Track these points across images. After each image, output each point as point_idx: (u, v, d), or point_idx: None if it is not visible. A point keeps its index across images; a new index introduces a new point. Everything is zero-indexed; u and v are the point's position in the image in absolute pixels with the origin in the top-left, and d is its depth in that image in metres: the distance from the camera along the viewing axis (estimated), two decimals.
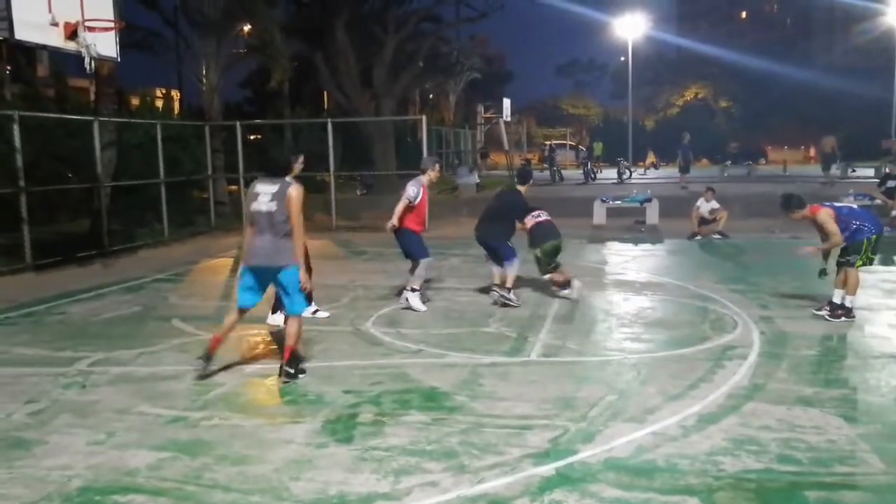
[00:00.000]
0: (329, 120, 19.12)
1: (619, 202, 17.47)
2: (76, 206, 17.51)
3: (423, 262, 8.62)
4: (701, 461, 4.41)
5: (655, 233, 15.71)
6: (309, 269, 6.71)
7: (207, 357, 6.11)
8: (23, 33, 8.25)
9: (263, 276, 6.11)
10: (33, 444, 4.80)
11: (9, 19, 8.09)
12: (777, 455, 4.49)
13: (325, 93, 34.11)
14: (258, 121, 27.32)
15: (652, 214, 16.86)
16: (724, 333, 7.41)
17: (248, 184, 19.21)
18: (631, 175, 31.98)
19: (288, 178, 6.17)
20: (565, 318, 8.18)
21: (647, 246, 14.08)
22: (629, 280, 10.59)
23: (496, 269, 9.07)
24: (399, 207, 8.51)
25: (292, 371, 6.04)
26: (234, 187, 20.18)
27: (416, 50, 29.97)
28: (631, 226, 16.69)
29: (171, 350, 7.12)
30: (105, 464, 4.48)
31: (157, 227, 15.96)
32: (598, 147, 39.51)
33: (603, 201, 17.44)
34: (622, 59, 52.66)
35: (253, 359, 6.83)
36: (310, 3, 26.54)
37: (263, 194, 5.95)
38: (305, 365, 6.30)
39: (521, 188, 9.38)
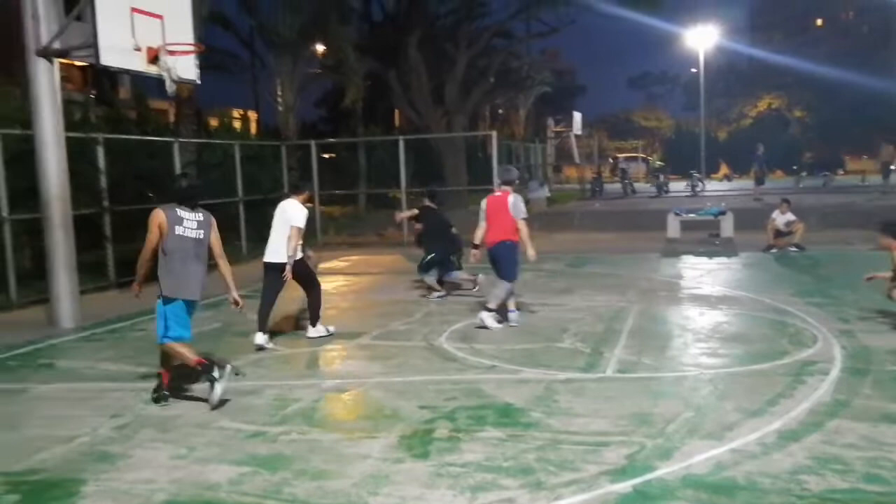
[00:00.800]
0: (401, 137, 19.32)
1: (692, 215, 17.11)
2: None
3: (510, 285, 8.50)
4: (783, 480, 4.25)
5: (730, 246, 15.32)
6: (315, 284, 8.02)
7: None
8: (108, 58, 8.60)
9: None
10: (118, 458, 4.94)
11: (95, 46, 8.45)
12: (863, 474, 4.30)
13: (397, 110, 34.50)
14: (332, 139, 27.78)
15: (726, 227, 16.47)
16: (803, 348, 7.15)
17: (323, 201, 19.70)
18: (704, 187, 31.30)
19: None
20: (640, 333, 8.02)
21: (722, 259, 13.72)
22: (704, 294, 10.34)
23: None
24: (525, 231, 8.42)
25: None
26: (309, 205, 20.54)
27: (488, 66, 30.06)
28: (705, 239, 16.32)
29: (250, 365, 7.26)
30: (187, 478, 4.57)
31: (235, 244, 16.35)
32: (657, 160, 38.72)
33: (676, 214, 17.09)
34: (693, 70, 51.75)
35: (329, 374, 6.90)
36: (383, 23, 26.92)
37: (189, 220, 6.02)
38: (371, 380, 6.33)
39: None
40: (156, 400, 6.11)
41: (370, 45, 25.98)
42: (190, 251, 6.03)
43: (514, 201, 8.40)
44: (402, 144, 18.41)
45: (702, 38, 41.68)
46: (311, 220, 19.36)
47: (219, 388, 5.80)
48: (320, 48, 23.10)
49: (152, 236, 5.98)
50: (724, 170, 39.53)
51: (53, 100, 9.27)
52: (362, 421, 5.58)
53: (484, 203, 8.64)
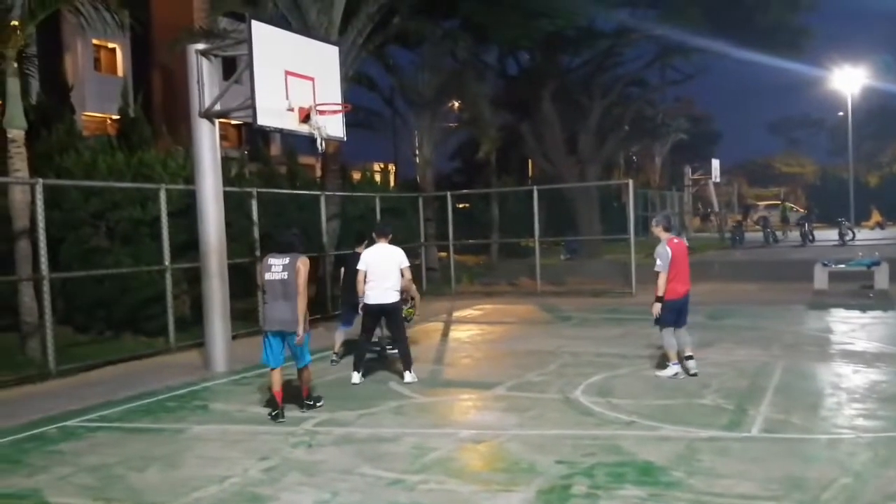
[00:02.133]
0: (535, 187, 19.44)
1: (842, 266, 16.11)
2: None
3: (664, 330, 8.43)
4: None
5: (886, 299, 14.32)
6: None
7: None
8: (264, 119, 9.19)
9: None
10: (267, 500, 5.17)
11: (252, 107, 9.06)
12: None
13: (531, 160, 34.73)
14: (467, 190, 28.30)
15: (881, 279, 15.36)
16: None
17: (457, 250, 20.07)
18: (854, 236, 29.49)
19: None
20: (787, 391, 7.62)
21: (878, 313, 12.86)
22: (858, 350, 9.70)
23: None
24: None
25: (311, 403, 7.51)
26: (443, 254, 20.97)
27: (622, 115, 29.82)
28: (857, 291, 15.33)
29: (389, 412, 7.43)
30: None
31: None
32: (788, 208, 36.66)
33: (824, 265, 16.15)
34: (840, 113, 49.26)
35: (465, 424, 6.97)
36: (517, 76, 27.34)
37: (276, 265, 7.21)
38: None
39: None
40: (273, 417, 7.25)
41: (504, 98, 26.41)
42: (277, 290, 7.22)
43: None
44: (535, 194, 18.51)
45: (849, 81, 39.74)
46: (445, 268, 19.92)
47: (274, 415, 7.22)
48: (456, 103, 23.75)
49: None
50: (875, 217, 37.04)
51: (214, 157, 10.01)
52: (499, 473, 5.58)
53: (668, 250, 8.23)
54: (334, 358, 10.08)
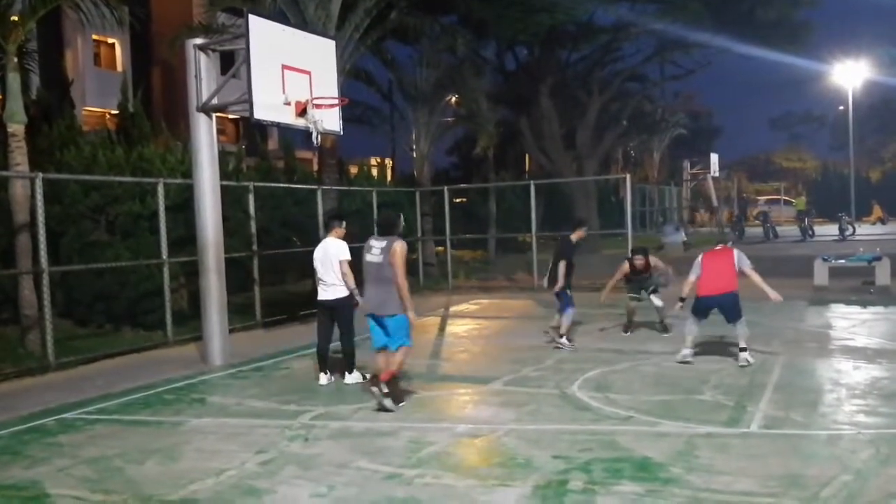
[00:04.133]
0: (532, 182, 19.43)
1: (843, 261, 16.11)
2: (301, 267, 18.93)
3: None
4: None
5: (887, 295, 14.32)
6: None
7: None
8: (261, 113, 9.18)
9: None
10: (264, 493, 5.16)
11: (250, 102, 9.05)
12: None
13: (528, 155, 34.72)
14: (464, 185, 28.30)
15: (882, 274, 15.36)
16: None
17: (454, 245, 20.08)
18: (854, 231, 29.49)
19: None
20: (787, 387, 7.61)
21: (879, 309, 12.84)
22: (859, 346, 9.69)
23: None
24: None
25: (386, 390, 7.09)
26: (440, 248, 20.97)
27: (621, 110, 29.84)
28: (858, 287, 15.32)
29: None
30: None
31: None
32: (800, 202, 36.66)
33: (825, 260, 16.15)
34: (841, 108, 49.25)
35: (462, 419, 6.96)
36: (515, 72, 27.32)
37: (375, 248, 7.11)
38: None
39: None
40: (385, 396, 7.07)
41: (502, 93, 26.40)
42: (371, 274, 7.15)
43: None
44: (532, 189, 18.50)
45: (850, 75, 39.70)
46: (442, 263, 19.93)
47: (380, 402, 7.01)
48: (454, 99, 23.75)
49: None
50: (877, 212, 37.04)
51: (211, 151, 9.99)
52: (496, 468, 5.57)
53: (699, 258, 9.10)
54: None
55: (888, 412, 6.63)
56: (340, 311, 8.31)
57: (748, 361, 8.58)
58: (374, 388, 7.07)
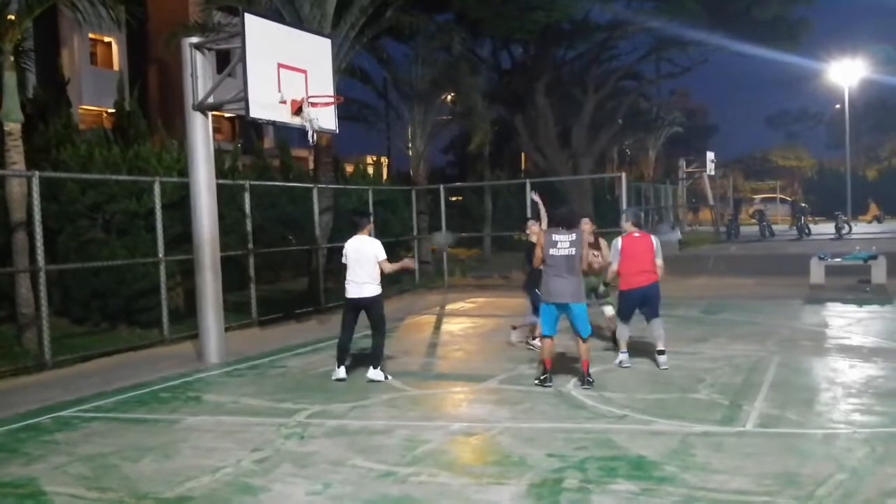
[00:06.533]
0: (527, 180, 19.44)
1: (839, 259, 16.14)
2: (296, 265, 18.93)
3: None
4: None
5: (883, 293, 14.36)
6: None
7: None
8: (256, 111, 9.18)
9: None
10: (259, 491, 5.17)
11: (245, 100, 9.05)
12: None
13: (524, 153, 34.73)
14: (460, 183, 28.32)
15: (878, 273, 15.40)
16: None
17: (450, 244, 20.05)
18: (851, 230, 29.56)
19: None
20: (783, 386, 7.64)
21: (874, 308, 12.88)
22: (855, 345, 9.73)
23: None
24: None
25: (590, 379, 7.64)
26: (436, 247, 20.97)
27: (616, 108, 29.84)
28: (854, 285, 15.37)
29: (382, 405, 7.43)
30: None
31: None
32: (798, 200, 36.57)
33: (821, 258, 16.19)
34: (837, 106, 49.31)
35: (457, 417, 6.97)
36: (511, 70, 27.33)
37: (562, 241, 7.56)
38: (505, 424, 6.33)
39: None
40: (541, 382, 7.73)
41: (498, 91, 26.40)
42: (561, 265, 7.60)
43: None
44: (528, 187, 18.49)
45: (847, 73, 39.74)
46: (437, 261, 19.94)
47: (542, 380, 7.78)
48: (449, 97, 23.76)
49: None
50: (873, 210, 37.11)
51: (207, 150, 9.99)
52: (490, 466, 5.59)
53: (618, 243, 8.58)
54: None
55: (884, 411, 6.65)
56: (374, 309, 8.42)
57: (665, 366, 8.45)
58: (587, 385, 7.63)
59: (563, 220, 7.82)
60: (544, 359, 7.83)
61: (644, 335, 9.10)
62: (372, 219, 8.72)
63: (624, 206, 17.69)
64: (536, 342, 9.60)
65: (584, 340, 7.71)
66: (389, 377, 8.43)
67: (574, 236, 7.59)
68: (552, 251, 7.55)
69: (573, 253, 7.52)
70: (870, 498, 4.69)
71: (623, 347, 8.74)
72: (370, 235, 8.57)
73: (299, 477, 5.41)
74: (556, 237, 7.59)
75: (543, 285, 7.72)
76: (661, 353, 8.50)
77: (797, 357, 9.01)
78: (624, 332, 8.73)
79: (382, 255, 8.30)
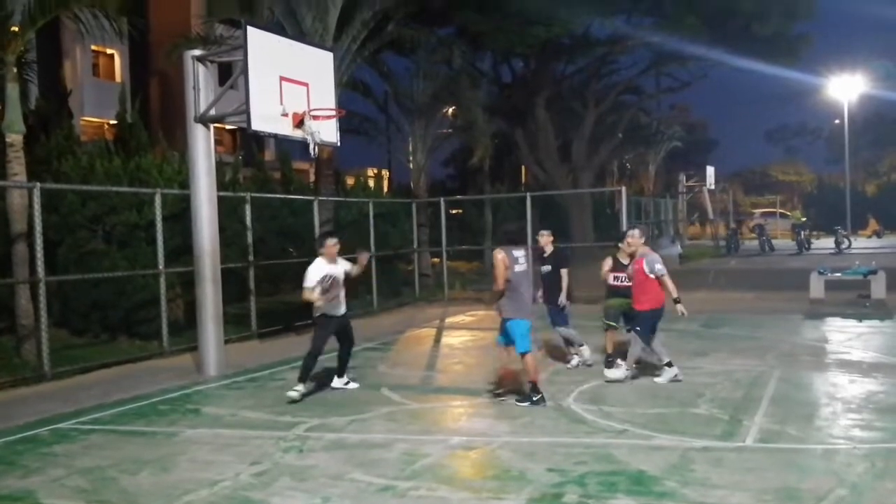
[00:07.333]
0: (528, 194, 19.46)
1: (838, 274, 16.13)
2: (297, 278, 18.88)
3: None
4: None
5: (883, 308, 14.34)
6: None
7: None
8: (258, 124, 9.22)
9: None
10: None
11: (247, 112, 9.09)
12: None
13: (524, 167, 34.80)
14: (460, 196, 28.35)
15: (878, 288, 15.38)
16: None
17: (450, 257, 20.10)
18: (850, 245, 29.58)
19: None
20: (783, 401, 7.62)
21: (874, 322, 12.88)
22: (854, 360, 9.71)
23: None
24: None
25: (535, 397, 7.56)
26: (436, 259, 20.99)
27: (616, 122, 29.97)
28: (854, 300, 15.35)
29: (381, 418, 7.41)
30: None
31: (366, 298, 16.84)
32: (797, 215, 36.60)
33: (820, 273, 16.18)
34: (837, 121, 49.44)
35: (456, 431, 6.96)
36: (511, 84, 27.44)
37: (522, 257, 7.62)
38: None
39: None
40: (535, 402, 7.52)
41: (498, 105, 26.49)
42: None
43: None
44: (528, 201, 18.51)
45: (846, 89, 39.87)
46: (438, 274, 19.95)
47: (527, 404, 7.52)
48: (450, 110, 23.85)
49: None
50: (873, 225, 37.18)
51: (209, 162, 10.01)
52: (490, 481, 5.57)
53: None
54: None
55: (884, 426, 6.64)
56: (349, 324, 8.70)
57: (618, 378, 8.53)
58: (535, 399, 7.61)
59: (516, 237, 8.15)
60: (532, 379, 7.68)
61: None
62: (330, 241, 8.50)
63: (624, 220, 17.71)
64: (574, 361, 9.60)
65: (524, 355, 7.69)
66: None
67: (524, 252, 7.80)
68: (517, 268, 7.61)
69: (528, 268, 7.76)
70: None
71: (632, 364, 8.67)
72: (330, 258, 8.40)
73: (298, 490, 5.39)
74: (516, 254, 7.65)
75: (514, 303, 7.64)
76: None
77: (797, 372, 9.00)
78: (638, 352, 8.63)
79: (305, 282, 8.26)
